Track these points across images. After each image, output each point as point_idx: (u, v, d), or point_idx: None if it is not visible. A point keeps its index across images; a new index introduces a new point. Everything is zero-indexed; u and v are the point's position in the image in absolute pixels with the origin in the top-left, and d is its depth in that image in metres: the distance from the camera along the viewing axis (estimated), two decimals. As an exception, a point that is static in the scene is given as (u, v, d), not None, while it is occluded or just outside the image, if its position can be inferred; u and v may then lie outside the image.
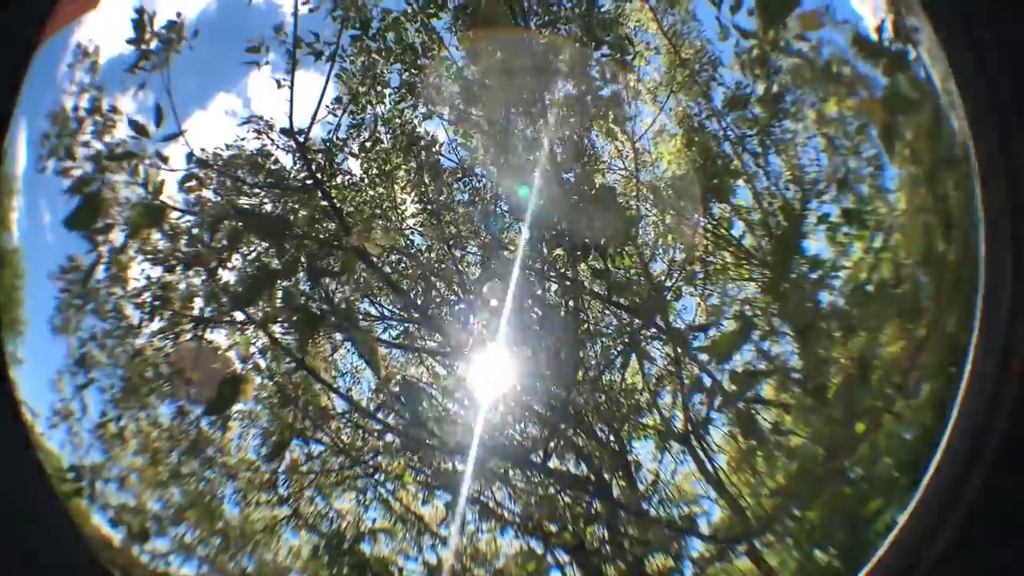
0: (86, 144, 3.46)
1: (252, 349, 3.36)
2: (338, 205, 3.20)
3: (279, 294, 3.01)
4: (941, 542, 1.86)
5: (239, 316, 3.28)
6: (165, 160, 3.07)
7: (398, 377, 3.24)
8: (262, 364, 3.41)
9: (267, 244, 2.99)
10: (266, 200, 3.28)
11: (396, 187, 3.63)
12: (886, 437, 3.41)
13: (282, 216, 3.04)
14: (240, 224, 2.94)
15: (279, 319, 3.13)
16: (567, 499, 3.51)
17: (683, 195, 3.96)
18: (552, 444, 3.34)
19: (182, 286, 3.38)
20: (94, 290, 3.75)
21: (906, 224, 3.04)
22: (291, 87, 3.06)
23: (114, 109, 3.49)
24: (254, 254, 3.09)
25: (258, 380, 3.62)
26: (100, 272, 3.79)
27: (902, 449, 3.22)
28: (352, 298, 3.18)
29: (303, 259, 2.94)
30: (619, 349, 3.42)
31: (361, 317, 3.34)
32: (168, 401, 3.96)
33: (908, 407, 3.27)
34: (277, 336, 3.24)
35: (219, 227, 3.01)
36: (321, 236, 3.07)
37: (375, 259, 3.21)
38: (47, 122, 3.34)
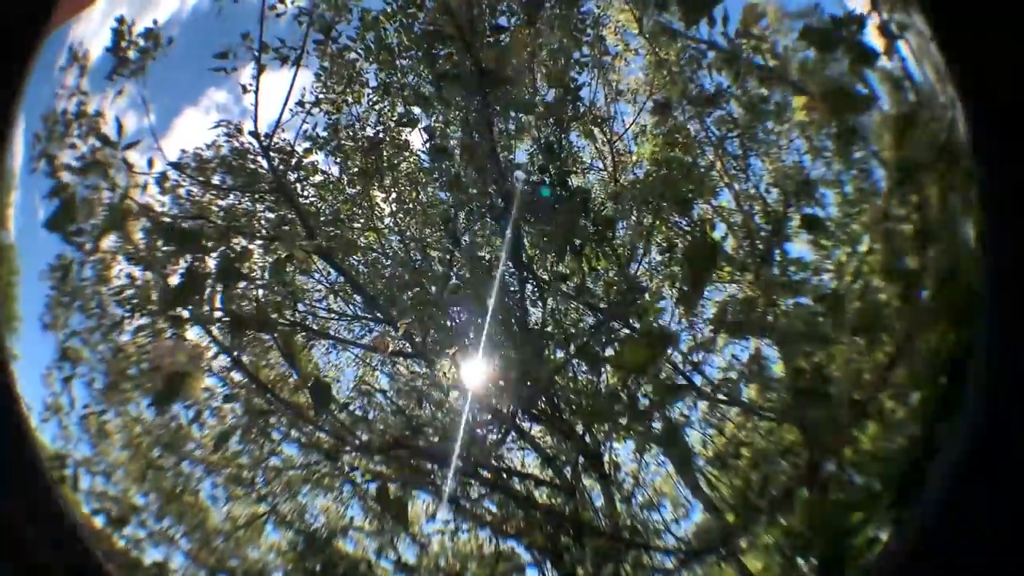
0: (72, 146, 3.54)
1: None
2: (306, 207, 3.24)
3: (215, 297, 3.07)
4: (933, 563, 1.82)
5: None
6: (130, 167, 3.15)
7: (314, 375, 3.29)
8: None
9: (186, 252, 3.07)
10: (240, 203, 3.33)
11: (368, 187, 3.66)
12: (871, 441, 3.35)
13: (195, 229, 3.11)
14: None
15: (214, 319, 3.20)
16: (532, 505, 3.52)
17: (663, 196, 3.93)
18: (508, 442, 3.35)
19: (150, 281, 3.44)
20: (79, 289, 3.83)
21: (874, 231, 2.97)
22: (256, 92, 3.12)
23: (99, 113, 3.57)
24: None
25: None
26: (86, 271, 3.87)
27: (886, 463, 3.16)
28: (276, 300, 3.24)
29: (222, 262, 3.01)
30: (570, 354, 3.41)
31: (291, 319, 3.40)
32: (148, 397, 4.03)
33: (893, 420, 3.22)
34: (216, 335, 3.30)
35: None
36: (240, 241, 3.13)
37: (336, 260, 3.25)
38: (40, 123, 3.41)
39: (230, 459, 3.90)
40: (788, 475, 3.62)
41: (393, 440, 3.23)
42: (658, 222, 3.66)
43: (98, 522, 3.70)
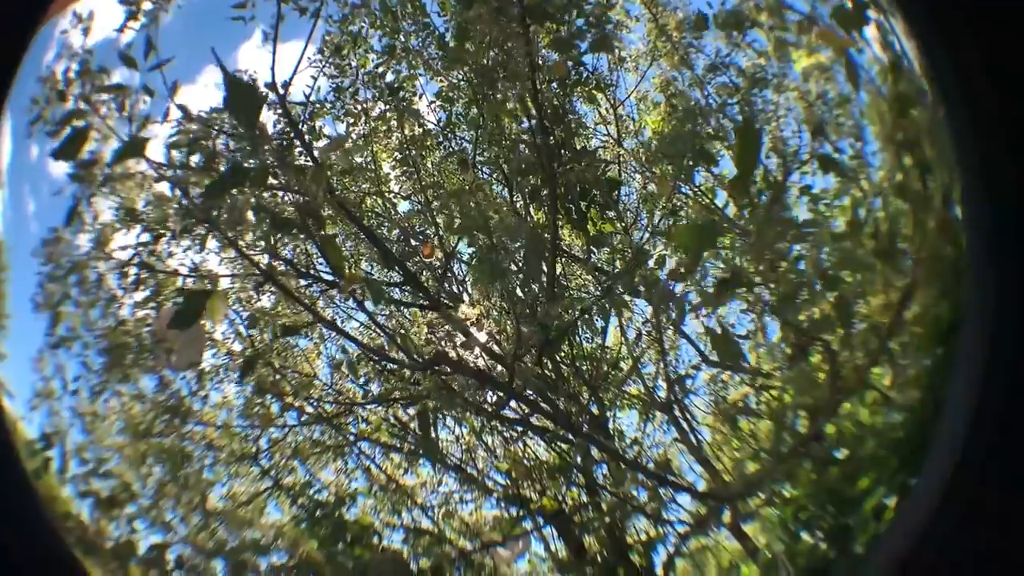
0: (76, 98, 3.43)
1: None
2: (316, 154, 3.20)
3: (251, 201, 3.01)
4: (942, 530, 1.81)
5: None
6: (151, 93, 3.09)
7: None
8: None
9: (243, 129, 2.97)
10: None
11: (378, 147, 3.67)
12: (871, 416, 3.37)
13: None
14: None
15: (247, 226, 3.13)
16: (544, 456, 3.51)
17: (666, 161, 3.98)
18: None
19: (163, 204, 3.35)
20: (81, 263, 3.73)
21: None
22: (274, 40, 3.11)
23: (102, 69, 3.48)
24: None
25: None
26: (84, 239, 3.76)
27: (889, 430, 3.18)
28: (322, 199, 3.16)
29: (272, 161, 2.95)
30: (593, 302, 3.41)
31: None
32: (151, 374, 3.93)
33: (894, 386, 3.24)
34: (244, 249, 3.24)
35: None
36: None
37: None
38: (37, 86, 3.31)
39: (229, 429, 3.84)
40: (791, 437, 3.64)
41: (436, 355, 3.21)
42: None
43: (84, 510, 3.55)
